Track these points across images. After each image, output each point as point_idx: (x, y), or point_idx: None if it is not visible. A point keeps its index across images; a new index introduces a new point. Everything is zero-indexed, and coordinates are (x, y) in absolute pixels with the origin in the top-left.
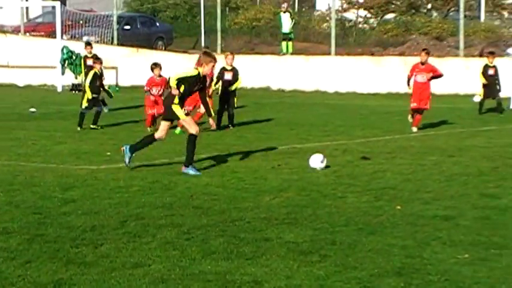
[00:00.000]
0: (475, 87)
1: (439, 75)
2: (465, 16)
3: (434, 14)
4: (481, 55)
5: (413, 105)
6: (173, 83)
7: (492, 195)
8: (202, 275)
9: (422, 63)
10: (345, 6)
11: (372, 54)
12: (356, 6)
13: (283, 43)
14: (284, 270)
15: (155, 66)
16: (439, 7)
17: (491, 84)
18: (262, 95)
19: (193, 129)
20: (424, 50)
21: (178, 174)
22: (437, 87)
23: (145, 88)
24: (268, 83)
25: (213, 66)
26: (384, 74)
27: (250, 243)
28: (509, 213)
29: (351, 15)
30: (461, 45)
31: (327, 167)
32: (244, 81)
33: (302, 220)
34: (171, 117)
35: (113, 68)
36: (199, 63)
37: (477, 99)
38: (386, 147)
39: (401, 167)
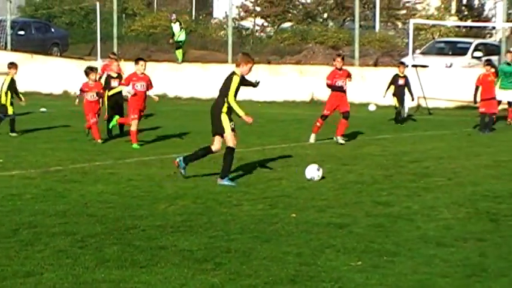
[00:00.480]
0: (369, 97)
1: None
2: (360, 26)
3: (331, 23)
4: (375, 64)
5: (345, 109)
6: (233, 101)
7: (385, 203)
8: (95, 283)
9: (340, 69)
10: (242, 14)
11: (269, 63)
12: (253, 15)
13: (177, 52)
14: (178, 278)
15: (90, 70)
16: (335, 17)
17: (399, 93)
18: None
19: (231, 142)
20: (339, 55)
21: (72, 182)
22: None
23: (78, 93)
24: (165, 90)
25: (251, 67)
26: (281, 83)
27: (145, 251)
28: (401, 220)
29: (248, 23)
30: (357, 54)
31: (322, 177)
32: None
33: (197, 228)
34: (220, 131)
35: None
36: (238, 64)
37: (372, 108)
38: (282, 155)
39: (297, 174)
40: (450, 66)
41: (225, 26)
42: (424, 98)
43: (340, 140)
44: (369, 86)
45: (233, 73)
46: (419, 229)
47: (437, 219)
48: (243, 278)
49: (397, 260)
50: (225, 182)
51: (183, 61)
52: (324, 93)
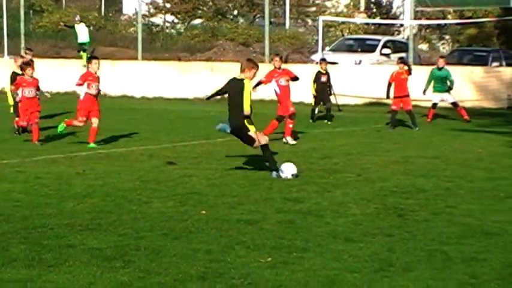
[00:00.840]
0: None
1: (297, 78)
2: (271, 23)
3: (241, 20)
4: (285, 61)
5: (291, 109)
6: (249, 109)
7: (295, 199)
8: (2, 283)
9: (279, 68)
10: (152, 11)
11: (179, 60)
12: (163, 11)
13: (82, 54)
14: (87, 276)
15: (27, 65)
16: (245, 13)
17: (323, 90)
18: (68, 99)
19: (263, 140)
20: (277, 55)
21: None
22: None
23: (12, 88)
24: (74, 88)
25: (255, 72)
26: (191, 80)
27: (53, 250)
28: (311, 217)
29: (158, 20)
30: (267, 51)
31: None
32: (50, 86)
33: (106, 226)
34: (252, 142)
35: None
36: (242, 70)
37: None
38: (192, 152)
39: (208, 171)
40: (359, 63)
41: (134, 22)
42: (334, 94)
43: (290, 141)
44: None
45: (241, 80)
46: (328, 225)
47: (346, 215)
48: (152, 275)
49: (307, 256)
50: (275, 174)
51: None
52: None
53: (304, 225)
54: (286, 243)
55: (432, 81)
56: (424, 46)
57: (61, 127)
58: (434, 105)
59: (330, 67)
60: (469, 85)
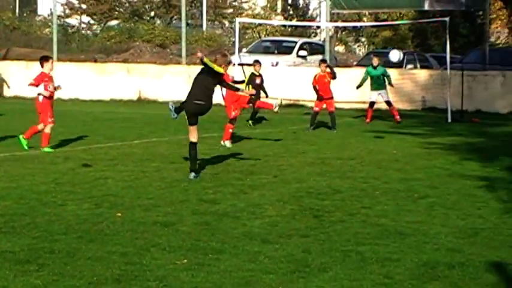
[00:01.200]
0: None
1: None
2: (188, 24)
3: (158, 21)
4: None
5: (233, 113)
6: None
7: (211, 201)
8: None
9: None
10: (67, 11)
11: (95, 61)
12: (79, 12)
13: None
14: (0, 280)
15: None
16: (162, 15)
17: (257, 92)
18: None
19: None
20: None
21: None
22: (161, 94)
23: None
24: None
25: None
26: (107, 81)
27: None
28: (227, 218)
29: (74, 21)
30: (184, 53)
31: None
32: None
33: (20, 229)
34: None
35: None
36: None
37: None
38: (108, 154)
39: (124, 174)
40: (276, 65)
41: (50, 23)
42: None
43: (228, 144)
44: None
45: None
46: (244, 226)
47: (262, 216)
48: (66, 278)
49: (223, 258)
50: (194, 176)
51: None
52: (151, 92)
53: (220, 227)
54: (202, 244)
55: (369, 80)
56: (340, 48)
57: (24, 142)
58: (372, 104)
59: (246, 69)
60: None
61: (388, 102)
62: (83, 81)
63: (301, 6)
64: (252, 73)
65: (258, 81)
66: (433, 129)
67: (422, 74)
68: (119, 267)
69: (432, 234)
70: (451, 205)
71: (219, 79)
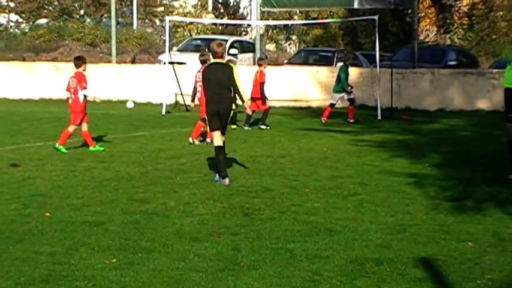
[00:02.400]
0: (127, 94)
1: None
2: (118, 23)
3: (88, 20)
4: (133, 62)
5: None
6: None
7: (141, 200)
8: None
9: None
10: None
11: (24, 60)
12: (7, 11)
13: None
14: None
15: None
16: (92, 13)
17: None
18: None
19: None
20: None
21: None
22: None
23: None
24: None
25: None
26: (36, 80)
27: None
28: (157, 217)
29: (1, 19)
30: (114, 51)
31: None
32: None
33: None
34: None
35: None
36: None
37: (130, 105)
38: (37, 153)
39: (53, 173)
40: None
41: None
42: (182, 94)
43: (197, 142)
44: (126, 83)
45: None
46: (174, 225)
47: (192, 214)
48: None
49: (152, 257)
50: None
51: None
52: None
53: (150, 226)
54: (132, 244)
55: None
56: (271, 46)
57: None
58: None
59: (177, 67)
60: (315, 85)
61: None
62: (11, 80)
63: (231, 4)
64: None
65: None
66: (363, 126)
67: (352, 72)
68: (46, 267)
69: (361, 231)
70: (380, 202)
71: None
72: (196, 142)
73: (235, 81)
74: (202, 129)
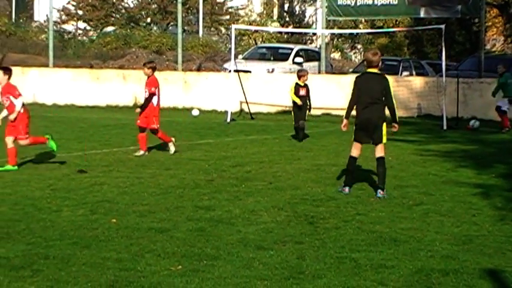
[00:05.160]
0: (193, 101)
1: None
2: (184, 31)
3: (154, 28)
4: (198, 69)
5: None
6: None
7: (206, 207)
8: None
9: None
10: (63, 17)
11: (91, 67)
12: (75, 18)
13: None
14: None
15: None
16: (158, 21)
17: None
18: None
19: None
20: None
21: None
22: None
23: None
24: None
25: None
26: (103, 87)
27: None
28: (222, 224)
29: (70, 27)
30: (180, 59)
31: None
32: None
33: (15, 235)
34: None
35: None
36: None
37: (195, 113)
38: (104, 160)
39: (119, 180)
40: (272, 72)
41: (46, 29)
42: (247, 102)
43: (141, 153)
44: (192, 91)
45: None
46: (239, 233)
47: (257, 222)
48: (61, 284)
49: (217, 264)
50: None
51: None
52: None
53: (215, 233)
54: (197, 251)
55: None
56: (336, 55)
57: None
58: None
59: (242, 75)
60: None
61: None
62: (79, 87)
63: (297, 13)
64: (296, 83)
65: (302, 92)
66: (429, 136)
67: (417, 81)
68: (113, 273)
69: (427, 241)
70: (445, 212)
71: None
72: (141, 153)
73: (391, 95)
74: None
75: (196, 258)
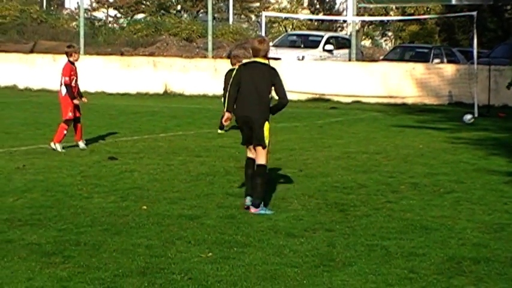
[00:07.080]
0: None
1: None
2: (214, 18)
3: (184, 15)
4: (228, 56)
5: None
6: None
7: (237, 195)
8: None
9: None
10: (94, 5)
11: (122, 54)
12: (106, 6)
13: None
14: (26, 272)
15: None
16: (189, 8)
17: None
18: (7, 93)
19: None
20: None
21: None
22: (187, 87)
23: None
24: (15, 81)
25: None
26: (134, 74)
27: None
28: None
29: (100, 14)
30: (210, 46)
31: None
32: None
33: (46, 221)
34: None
35: None
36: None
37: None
38: (134, 147)
39: (149, 167)
40: (302, 59)
41: (76, 17)
42: None
43: (59, 148)
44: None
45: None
46: (269, 220)
47: (287, 210)
48: (92, 270)
49: (247, 251)
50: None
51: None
52: (177, 86)
53: (246, 221)
54: (227, 238)
55: None
56: (366, 42)
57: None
58: None
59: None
60: (411, 81)
61: None
62: (109, 74)
63: (327, 0)
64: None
65: None
66: (460, 124)
67: (449, 69)
68: (144, 259)
69: (458, 229)
70: (476, 200)
71: None
72: (58, 148)
73: (283, 88)
74: (65, 131)
75: (226, 245)
